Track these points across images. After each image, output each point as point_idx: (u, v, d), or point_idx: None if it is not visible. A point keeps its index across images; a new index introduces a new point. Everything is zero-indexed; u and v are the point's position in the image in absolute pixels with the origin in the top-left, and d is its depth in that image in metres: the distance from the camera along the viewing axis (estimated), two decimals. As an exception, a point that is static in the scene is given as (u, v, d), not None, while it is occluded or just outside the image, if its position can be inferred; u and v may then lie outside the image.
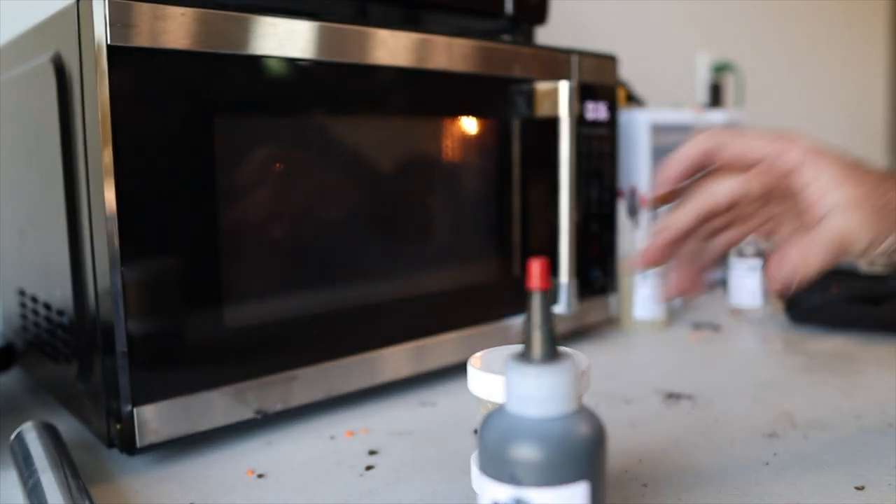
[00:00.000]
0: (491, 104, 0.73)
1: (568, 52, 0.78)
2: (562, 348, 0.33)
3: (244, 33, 0.55)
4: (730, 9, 1.79)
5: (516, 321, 0.75)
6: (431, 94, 0.68)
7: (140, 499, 0.50)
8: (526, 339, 0.32)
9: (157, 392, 0.52)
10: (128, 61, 0.49)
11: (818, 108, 2.25)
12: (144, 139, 0.51)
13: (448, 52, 0.68)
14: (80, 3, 0.49)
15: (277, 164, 0.58)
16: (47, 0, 0.58)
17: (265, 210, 0.57)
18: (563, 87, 0.73)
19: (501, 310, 0.75)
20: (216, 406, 0.55)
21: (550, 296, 0.32)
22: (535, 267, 0.31)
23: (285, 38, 0.57)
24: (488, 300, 0.74)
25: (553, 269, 0.76)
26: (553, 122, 0.74)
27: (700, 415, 0.62)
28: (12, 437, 0.54)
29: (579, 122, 0.79)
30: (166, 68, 0.51)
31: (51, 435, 0.53)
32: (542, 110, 0.74)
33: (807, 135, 0.50)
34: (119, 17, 0.49)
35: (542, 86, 0.74)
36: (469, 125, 0.71)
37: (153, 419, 0.52)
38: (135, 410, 0.51)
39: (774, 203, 0.52)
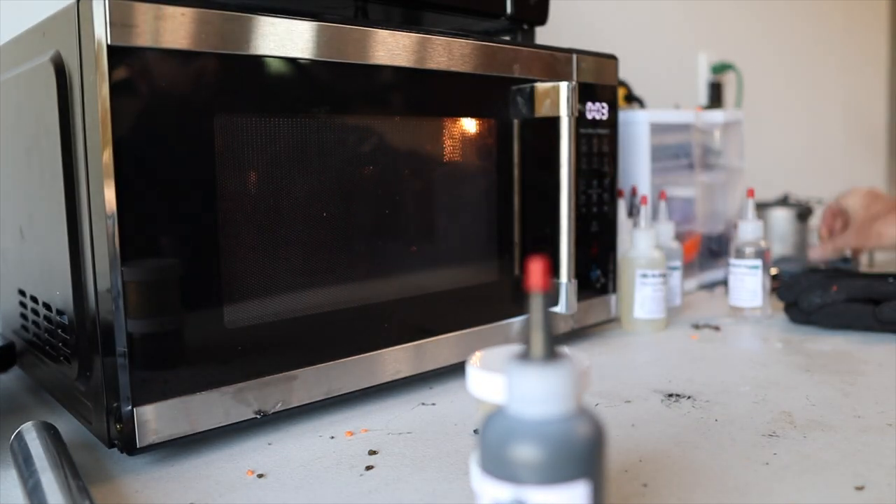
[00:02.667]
0: (491, 104, 0.73)
1: (568, 52, 0.78)
2: (562, 348, 0.33)
3: (244, 33, 0.55)
4: (730, 9, 1.79)
5: (516, 321, 0.75)
6: (431, 94, 0.68)
7: (140, 499, 0.50)
8: (526, 339, 0.32)
9: (157, 392, 0.52)
10: (128, 61, 0.49)
11: (818, 108, 2.25)
12: (144, 139, 0.51)
13: (448, 53, 0.68)
14: (80, 3, 0.49)
15: (278, 166, 0.58)
16: (47, 0, 0.58)
17: (265, 210, 0.57)
18: (563, 88, 0.73)
19: (502, 310, 0.75)
20: (216, 406, 0.55)
21: (550, 296, 0.32)
22: (535, 267, 0.31)
23: (285, 38, 0.57)
24: (488, 300, 0.74)
25: (553, 269, 0.76)
26: (553, 122, 0.74)
27: (700, 415, 0.62)
28: (12, 437, 0.54)
29: (579, 122, 0.79)
30: (166, 68, 0.51)
31: (51, 435, 0.53)
32: (542, 110, 0.74)
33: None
34: (119, 17, 0.49)
35: (542, 86, 0.74)
36: (469, 125, 0.71)
37: (153, 419, 0.52)
38: (135, 410, 0.51)
39: None
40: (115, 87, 0.49)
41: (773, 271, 1.16)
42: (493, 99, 0.72)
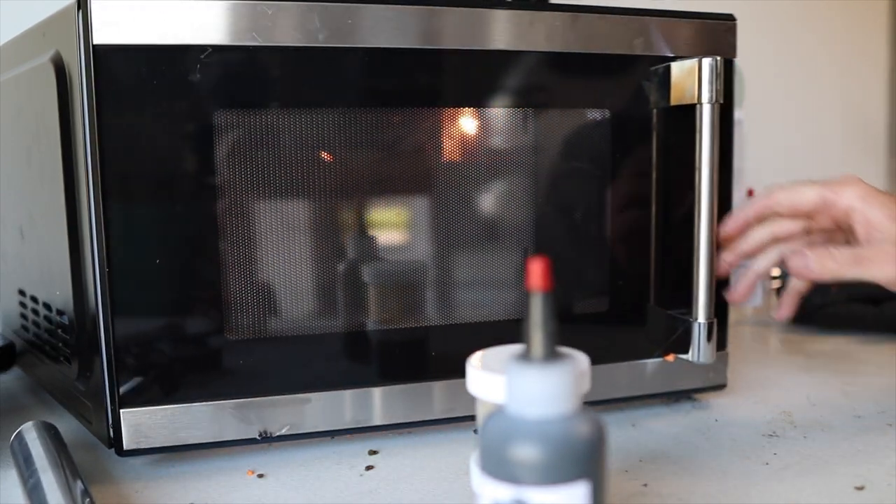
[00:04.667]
0: (601, 92, 0.59)
1: (688, 16, 0.62)
2: (562, 348, 0.33)
3: (245, 25, 0.51)
4: (730, 9, 1.79)
5: (652, 362, 0.61)
6: (513, 80, 0.56)
7: (140, 499, 0.50)
8: (526, 339, 0.32)
9: (154, 396, 0.52)
10: (128, 60, 0.49)
11: (818, 108, 2.25)
12: (145, 138, 0.50)
13: (546, 29, 0.56)
14: (80, 2, 0.49)
15: (292, 164, 0.54)
16: (47, 0, 0.58)
17: (274, 210, 0.54)
18: (706, 66, 0.57)
19: (612, 348, 0.61)
20: (213, 419, 0.53)
21: (554, 296, 0.32)
22: (537, 266, 0.31)
23: (293, 26, 0.51)
24: (593, 333, 0.60)
25: (686, 301, 0.60)
26: (687, 113, 0.58)
27: (700, 415, 0.62)
28: (12, 437, 0.54)
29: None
30: (167, 66, 0.50)
31: (51, 435, 0.53)
32: (677, 97, 0.58)
33: (855, 179, 0.56)
34: (119, 17, 0.48)
35: (678, 66, 0.58)
36: (569, 119, 0.58)
37: (148, 424, 0.52)
38: (121, 412, 0.51)
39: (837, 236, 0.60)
40: (114, 87, 0.49)
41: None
42: (605, 85, 0.59)
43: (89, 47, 0.49)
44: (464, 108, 0.57)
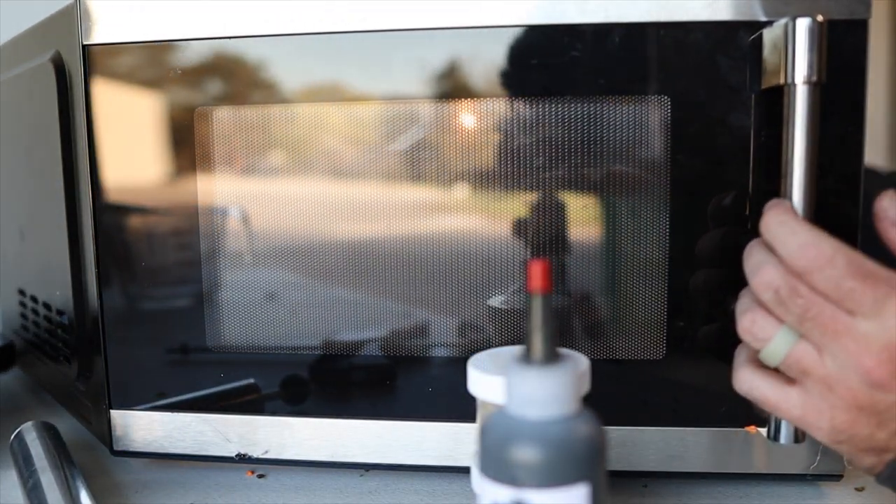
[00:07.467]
0: (658, 73, 0.44)
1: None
2: (562, 350, 0.33)
3: (244, 16, 0.49)
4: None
5: (725, 431, 0.47)
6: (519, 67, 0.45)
7: (140, 499, 0.50)
8: (527, 341, 0.32)
9: (144, 400, 0.52)
10: (128, 59, 0.49)
11: (818, 107, 2.25)
12: (148, 136, 0.50)
13: None
14: (80, 3, 0.49)
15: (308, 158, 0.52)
16: (47, 0, 0.58)
17: (266, 214, 0.51)
18: (801, 29, 0.39)
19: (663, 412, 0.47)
20: (196, 432, 0.52)
21: (551, 299, 0.32)
22: (536, 268, 0.31)
23: (294, 17, 0.48)
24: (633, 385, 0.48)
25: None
26: (774, 97, 0.41)
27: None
28: (12, 437, 0.54)
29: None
30: (168, 63, 0.50)
31: (51, 435, 0.53)
32: (767, 77, 0.42)
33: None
34: (119, 16, 0.49)
35: (770, 33, 0.41)
36: (615, 110, 0.45)
37: (135, 426, 0.52)
38: (111, 413, 0.52)
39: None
40: (114, 86, 0.49)
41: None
42: (665, 63, 0.44)
43: (81, 47, 0.49)
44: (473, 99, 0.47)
